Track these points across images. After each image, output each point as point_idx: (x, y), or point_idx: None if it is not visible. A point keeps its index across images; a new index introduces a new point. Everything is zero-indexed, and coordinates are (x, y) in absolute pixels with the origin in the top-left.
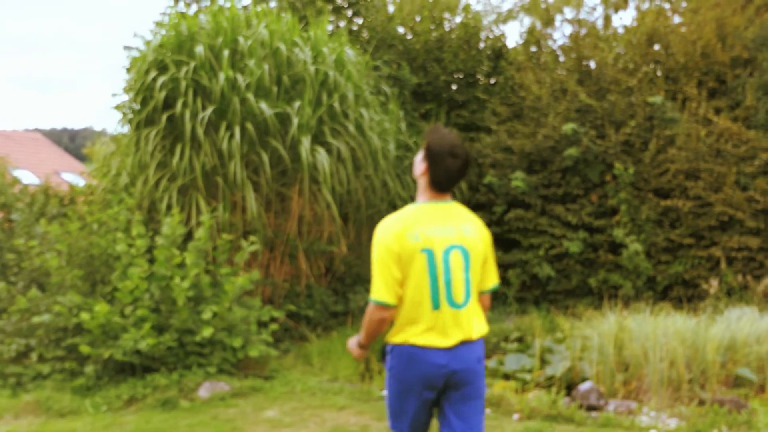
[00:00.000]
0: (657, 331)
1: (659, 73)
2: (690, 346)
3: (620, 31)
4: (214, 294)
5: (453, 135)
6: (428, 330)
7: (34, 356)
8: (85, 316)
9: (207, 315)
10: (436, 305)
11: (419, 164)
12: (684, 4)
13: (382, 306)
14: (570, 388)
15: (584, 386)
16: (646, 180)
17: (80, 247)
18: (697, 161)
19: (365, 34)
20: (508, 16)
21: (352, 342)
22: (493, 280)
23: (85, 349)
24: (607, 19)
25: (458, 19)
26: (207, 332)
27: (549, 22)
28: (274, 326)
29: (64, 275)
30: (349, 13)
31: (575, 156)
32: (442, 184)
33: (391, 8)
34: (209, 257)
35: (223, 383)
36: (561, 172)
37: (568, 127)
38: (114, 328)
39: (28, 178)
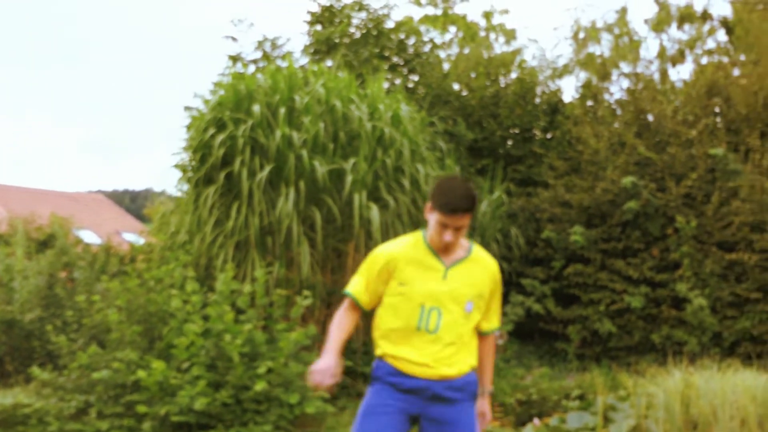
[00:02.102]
0: (726, 388)
1: (720, 125)
2: (761, 404)
3: (678, 84)
4: (269, 350)
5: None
6: None
7: (93, 413)
8: (142, 373)
9: (262, 370)
10: None
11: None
12: (743, 57)
13: None
14: None
15: None
16: (710, 233)
17: (138, 304)
18: (762, 213)
19: (421, 91)
20: (564, 71)
21: None
22: None
23: (141, 408)
24: (664, 73)
25: (514, 75)
26: (260, 386)
27: (605, 76)
28: None
29: (124, 331)
30: (405, 70)
31: (635, 209)
32: None
33: (446, 65)
34: (262, 313)
35: None
36: (621, 226)
37: (628, 180)
38: (171, 385)
39: (90, 237)
